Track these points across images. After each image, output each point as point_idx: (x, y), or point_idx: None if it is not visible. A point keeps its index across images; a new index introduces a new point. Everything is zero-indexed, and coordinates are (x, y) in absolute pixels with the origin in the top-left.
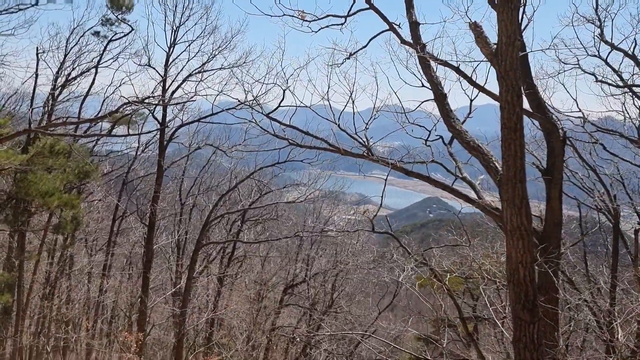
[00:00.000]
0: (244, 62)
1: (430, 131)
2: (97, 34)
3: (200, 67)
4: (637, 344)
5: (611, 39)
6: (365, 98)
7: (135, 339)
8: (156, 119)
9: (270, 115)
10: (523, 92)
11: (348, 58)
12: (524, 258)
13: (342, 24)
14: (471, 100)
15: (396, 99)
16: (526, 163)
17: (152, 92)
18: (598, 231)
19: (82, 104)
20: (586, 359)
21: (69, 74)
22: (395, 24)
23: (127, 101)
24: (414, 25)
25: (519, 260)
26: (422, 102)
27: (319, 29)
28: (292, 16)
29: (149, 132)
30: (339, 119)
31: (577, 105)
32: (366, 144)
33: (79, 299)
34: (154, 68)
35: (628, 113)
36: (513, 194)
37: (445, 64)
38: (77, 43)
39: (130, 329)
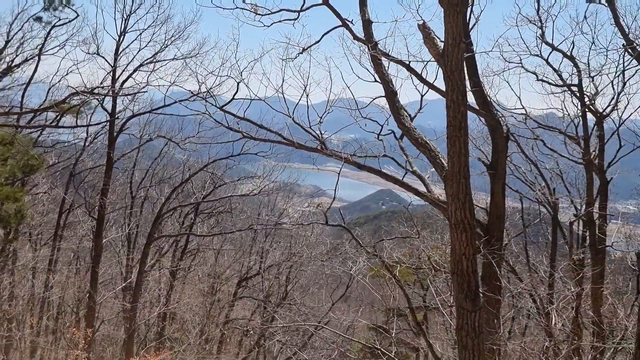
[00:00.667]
0: (198, 54)
1: (382, 126)
2: (39, 19)
3: (152, 57)
4: (572, 329)
5: (552, 39)
6: (319, 92)
7: (83, 335)
8: (105, 109)
9: (224, 107)
10: (469, 89)
11: (301, 52)
12: (467, 250)
13: (295, 19)
14: (422, 96)
15: (350, 93)
16: (472, 158)
17: (102, 82)
18: (539, 223)
19: (24, 92)
20: (525, 344)
21: (12, 61)
22: (348, 21)
23: (74, 91)
24: (367, 23)
25: (462, 253)
26: (375, 99)
27: (272, 24)
28: (245, 9)
29: (98, 123)
30: (293, 112)
31: (521, 102)
32: (320, 137)
33: (22, 296)
34: (103, 57)
35: (567, 111)
36: (457, 189)
37: (397, 61)
38: (20, 29)
39: (78, 325)
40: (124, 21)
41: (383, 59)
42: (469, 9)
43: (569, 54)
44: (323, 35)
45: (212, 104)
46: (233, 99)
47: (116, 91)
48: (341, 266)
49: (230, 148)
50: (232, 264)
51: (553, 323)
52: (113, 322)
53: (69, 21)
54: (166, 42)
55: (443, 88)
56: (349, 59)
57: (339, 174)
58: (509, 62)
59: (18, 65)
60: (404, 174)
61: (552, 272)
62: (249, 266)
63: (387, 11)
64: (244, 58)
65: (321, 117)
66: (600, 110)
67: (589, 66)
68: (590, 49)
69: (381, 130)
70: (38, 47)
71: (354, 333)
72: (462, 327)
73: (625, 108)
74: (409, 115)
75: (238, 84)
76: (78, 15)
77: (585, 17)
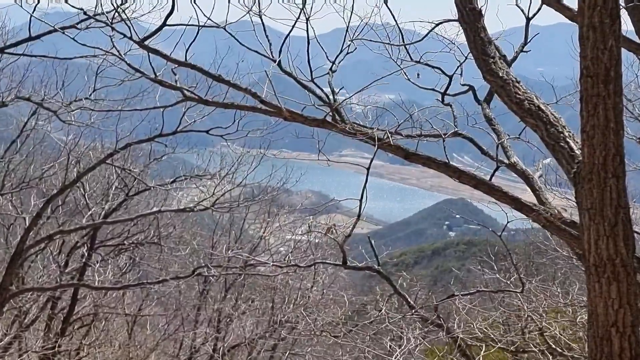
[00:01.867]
0: None
1: (450, 77)
2: None
3: None
4: None
5: None
6: (330, 15)
7: None
8: None
9: (146, 41)
10: (624, 6)
11: None
12: (620, 317)
13: None
14: (528, 19)
15: (388, 14)
16: (630, 139)
17: None
18: None
19: None
20: None
21: None
22: None
23: None
24: None
25: (611, 322)
26: (438, 25)
27: None
28: None
29: None
30: (280, 51)
31: None
32: (331, 100)
33: None
34: None
35: None
36: (601, 198)
37: None
38: None
39: None
40: None
41: None
42: None
43: None
44: None
45: (125, 36)
46: (165, 25)
47: None
48: (374, 346)
49: (159, 120)
50: (162, 343)
51: None
52: None
53: None
54: None
55: (570, 5)
56: None
57: (368, 170)
58: None
59: None
60: (493, 171)
61: None
62: (194, 347)
63: None
64: None
65: (334, 61)
66: None
67: None
68: None
69: (448, 85)
70: None
71: None
72: None
73: None
74: (503, 56)
75: None
76: None
77: None
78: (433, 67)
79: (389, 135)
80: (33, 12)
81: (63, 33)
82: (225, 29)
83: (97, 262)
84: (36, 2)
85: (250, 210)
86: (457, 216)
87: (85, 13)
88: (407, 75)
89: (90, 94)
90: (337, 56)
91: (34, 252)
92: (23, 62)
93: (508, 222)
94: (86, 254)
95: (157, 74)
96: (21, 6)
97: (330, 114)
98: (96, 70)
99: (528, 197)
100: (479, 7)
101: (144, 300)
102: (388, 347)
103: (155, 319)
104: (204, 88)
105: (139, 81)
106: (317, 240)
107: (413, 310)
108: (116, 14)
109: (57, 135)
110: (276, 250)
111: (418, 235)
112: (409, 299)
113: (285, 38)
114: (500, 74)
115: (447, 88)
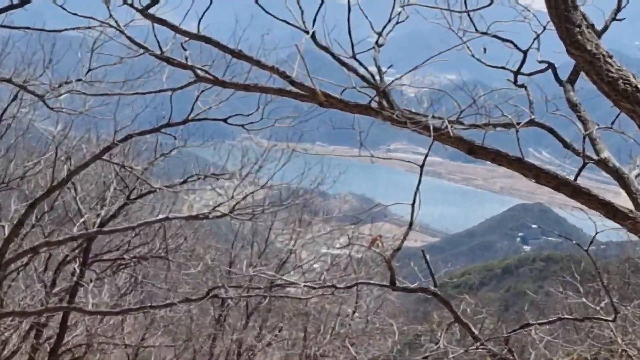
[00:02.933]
0: None
1: (525, 52)
2: None
3: None
4: None
5: None
6: None
7: None
8: None
9: (151, 10)
10: None
11: None
12: None
13: None
14: None
15: None
16: None
17: None
18: None
19: None
20: None
21: None
22: None
23: None
24: None
25: None
26: None
27: None
28: None
29: None
30: (314, 21)
31: None
32: (377, 80)
33: None
34: None
35: None
36: None
37: None
38: None
39: None
40: None
41: None
42: None
43: None
44: None
45: (125, 2)
46: None
47: None
48: None
49: (167, 107)
50: None
51: None
52: None
53: None
54: None
55: None
56: None
57: (422, 168)
58: None
59: None
60: (579, 169)
61: None
62: None
63: None
64: None
65: (380, 33)
66: None
67: None
68: None
69: (522, 62)
70: None
71: None
72: None
73: None
74: (592, 25)
75: None
76: None
77: None
78: (503, 39)
79: (449, 124)
80: None
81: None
82: None
83: (91, 281)
84: None
85: (277, 218)
86: (534, 226)
87: None
88: (471, 51)
89: (84, 75)
90: (385, 27)
91: (14, 268)
92: (2, 35)
93: (597, 233)
94: (78, 271)
95: (164, 50)
96: None
97: (376, 98)
98: (91, 45)
99: (622, 201)
100: None
101: (147, 328)
102: None
103: (162, 350)
104: (221, 67)
105: (143, 59)
106: (359, 256)
107: (478, 343)
108: None
109: (44, 126)
110: (309, 268)
111: (485, 250)
112: (473, 329)
113: (321, 5)
114: (588, 47)
115: (521, 66)
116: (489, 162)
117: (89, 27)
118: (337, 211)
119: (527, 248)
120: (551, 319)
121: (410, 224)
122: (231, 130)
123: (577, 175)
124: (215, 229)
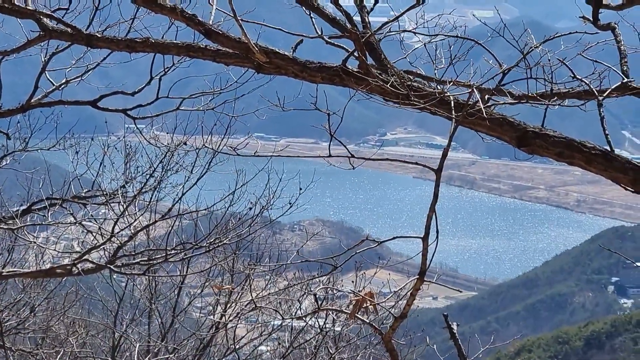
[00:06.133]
0: None
1: None
2: None
3: None
4: None
5: None
6: None
7: None
8: None
9: None
10: None
11: None
12: None
13: None
14: None
15: None
16: None
17: None
18: None
19: None
20: None
21: None
22: None
23: None
24: None
25: None
26: None
27: None
28: None
29: None
30: None
31: None
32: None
33: None
34: None
35: None
36: None
37: None
38: None
39: None
40: None
41: None
42: None
43: None
44: None
45: None
46: None
47: None
48: None
49: None
50: None
51: None
52: None
53: None
54: None
55: None
56: None
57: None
58: None
59: None
60: None
61: None
62: None
63: None
64: None
65: None
66: None
67: None
68: None
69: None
70: None
71: None
72: None
73: None
74: None
75: None
76: None
77: None
78: None
79: (479, 96)
80: None
81: None
82: None
83: None
84: None
85: (193, 270)
86: (638, 264)
87: None
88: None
89: None
90: None
91: None
92: None
93: None
94: None
95: None
96: None
97: (355, 53)
98: None
99: None
100: None
101: None
102: None
103: None
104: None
105: None
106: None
107: None
108: None
109: None
110: (251, 355)
111: (555, 308)
112: None
113: None
114: None
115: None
116: (553, 160)
117: None
118: (295, 253)
119: (626, 303)
120: None
121: (423, 271)
122: (105, 119)
123: None
124: (87, 291)
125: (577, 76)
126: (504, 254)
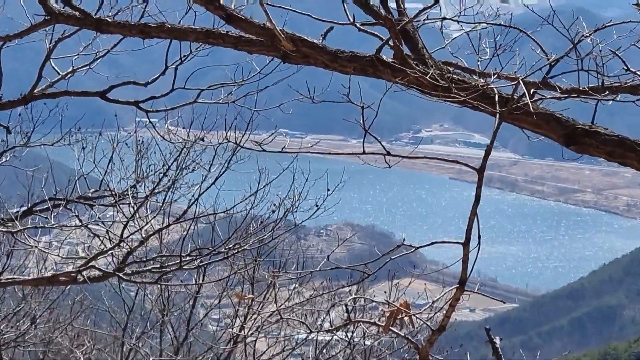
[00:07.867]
0: None
1: None
2: None
3: None
4: None
5: None
6: None
7: None
8: None
9: None
10: None
11: None
12: None
13: None
14: None
15: None
16: None
17: None
18: None
19: None
20: None
21: None
22: None
23: None
24: None
25: None
26: None
27: None
28: None
29: None
30: None
31: None
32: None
33: None
34: None
35: None
36: None
37: None
38: None
39: None
40: None
41: None
42: None
43: None
44: None
45: None
46: None
47: None
48: None
49: None
50: None
51: None
52: None
53: None
54: None
55: None
56: None
57: (480, 173)
58: None
59: None
60: None
61: None
62: None
63: None
64: None
65: None
66: None
67: None
68: None
69: None
70: None
71: None
72: None
73: None
74: None
75: None
76: None
77: None
78: None
79: (526, 90)
80: None
81: None
82: None
83: None
84: None
85: (210, 278)
86: None
87: None
88: None
89: None
90: None
91: None
92: None
93: None
94: None
95: None
96: None
97: (391, 41)
98: None
99: None
100: None
101: None
102: None
103: None
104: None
105: None
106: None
107: None
108: None
109: None
110: None
111: (603, 321)
112: None
113: None
114: None
115: None
116: (603, 160)
117: None
118: (323, 261)
119: None
120: None
121: (464, 280)
122: (115, 113)
123: None
124: (94, 300)
125: (631, 69)
126: (547, 262)
